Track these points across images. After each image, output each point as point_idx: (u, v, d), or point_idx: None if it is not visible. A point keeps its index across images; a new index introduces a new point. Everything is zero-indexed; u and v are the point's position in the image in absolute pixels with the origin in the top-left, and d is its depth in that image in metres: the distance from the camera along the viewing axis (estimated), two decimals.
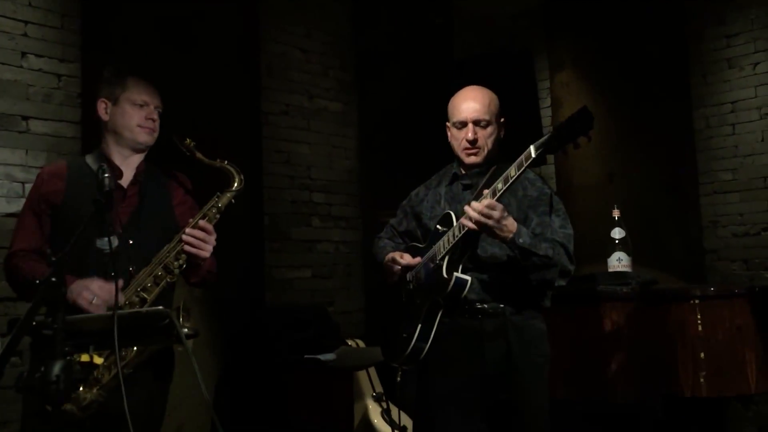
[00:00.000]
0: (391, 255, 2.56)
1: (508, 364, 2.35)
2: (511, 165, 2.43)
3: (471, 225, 2.23)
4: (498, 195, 2.23)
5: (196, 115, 4.01)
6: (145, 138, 2.43)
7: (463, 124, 2.48)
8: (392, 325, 2.55)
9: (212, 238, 2.34)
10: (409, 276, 2.52)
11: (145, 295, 2.28)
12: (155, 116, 2.45)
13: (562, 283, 2.42)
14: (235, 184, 2.47)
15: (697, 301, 3.05)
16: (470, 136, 2.46)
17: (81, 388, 2.14)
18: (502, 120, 2.54)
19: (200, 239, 2.31)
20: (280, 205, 4.56)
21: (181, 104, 3.87)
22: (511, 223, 2.24)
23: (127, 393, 2.18)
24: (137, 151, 2.46)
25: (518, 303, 2.39)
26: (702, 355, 3.00)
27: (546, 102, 5.79)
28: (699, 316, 3.03)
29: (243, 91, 4.45)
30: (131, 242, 2.32)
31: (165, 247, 2.33)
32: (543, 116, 5.77)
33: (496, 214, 2.20)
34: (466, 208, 2.25)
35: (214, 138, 4.10)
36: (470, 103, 2.49)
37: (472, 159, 2.49)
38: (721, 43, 5.03)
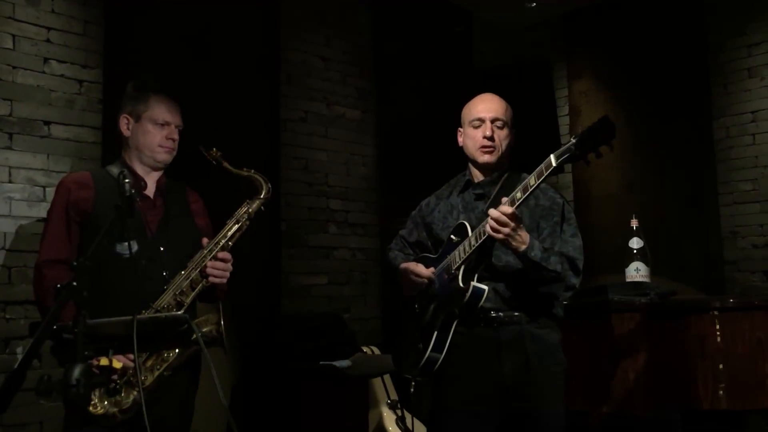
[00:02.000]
0: (404, 266, 2.55)
1: (526, 375, 2.34)
2: (524, 173, 2.42)
3: (491, 232, 2.21)
4: (517, 204, 2.22)
5: (216, 121, 4.04)
6: (165, 157, 2.49)
7: (480, 121, 2.48)
8: (405, 335, 2.54)
9: (230, 265, 2.44)
10: (422, 286, 2.51)
11: (183, 299, 2.35)
12: (176, 136, 2.50)
13: (566, 295, 2.41)
14: (263, 193, 2.54)
15: (716, 313, 3.01)
16: (488, 132, 2.45)
17: (123, 392, 2.19)
18: (515, 130, 2.54)
19: (221, 269, 2.40)
20: (297, 211, 4.58)
21: (200, 110, 3.91)
22: (524, 235, 2.23)
23: (163, 396, 2.24)
24: (156, 169, 2.51)
25: (533, 312, 2.38)
26: (721, 367, 2.96)
27: (564, 110, 5.78)
28: (718, 328, 2.99)
29: (262, 98, 4.48)
30: (162, 249, 2.37)
31: (199, 253, 2.40)
32: (561, 125, 5.76)
33: (512, 223, 2.19)
34: (491, 211, 2.23)
35: (233, 144, 4.14)
36: (488, 104, 2.51)
37: (487, 158, 2.48)
38: (741, 53, 5.00)
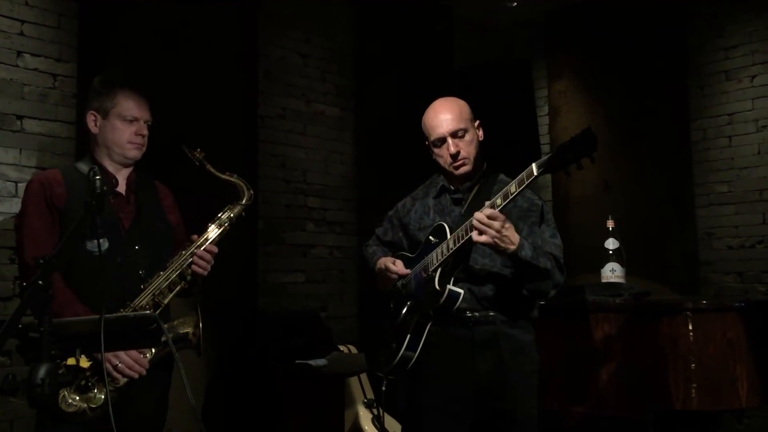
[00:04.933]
0: (383, 261, 2.54)
1: (500, 374, 2.34)
2: (502, 174, 2.44)
3: (477, 236, 2.20)
4: (497, 209, 2.21)
5: (192, 116, 4.01)
6: (135, 154, 2.44)
7: (441, 141, 2.45)
8: (378, 333, 2.54)
9: (212, 257, 2.41)
10: (399, 284, 2.51)
11: (161, 300, 2.33)
12: (145, 131, 2.45)
13: (553, 293, 2.41)
14: (245, 199, 2.51)
15: (689, 314, 3.03)
16: (452, 150, 2.42)
17: (95, 390, 2.18)
18: (477, 123, 2.51)
19: (207, 261, 2.38)
20: (274, 209, 4.55)
21: (177, 106, 3.89)
22: (513, 235, 2.22)
23: (139, 394, 2.23)
24: (126, 165, 2.47)
25: (509, 312, 2.39)
26: (693, 367, 2.99)
27: (543, 110, 5.80)
28: (691, 329, 3.01)
29: (240, 94, 4.45)
30: (137, 247, 2.35)
31: (179, 255, 2.38)
32: (540, 124, 5.78)
33: (496, 224, 2.18)
34: (475, 214, 2.21)
35: (210, 140, 4.11)
36: (442, 117, 2.44)
37: (462, 170, 2.45)
38: (719, 56, 5.04)
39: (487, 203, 2.22)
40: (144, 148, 2.46)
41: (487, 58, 5.87)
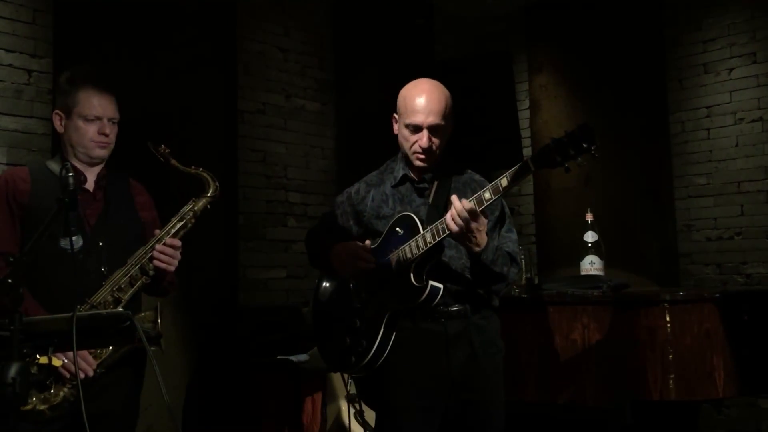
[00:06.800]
0: (356, 245, 2.39)
1: (473, 366, 2.33)
2: (468, 169, 2.44)
3: (452, 223, 2.13)
4: (486, 205, 2.13)
5: (171, 112, 3.99)
6: (99, 153, 2.39)
7: (417, 128, 2.35)
8: (336, 330, 2.44)
9: (179, 253, 2.36)
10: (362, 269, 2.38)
11: (120, 295, 2.29)
12: (108, 130, 2.37)
13: (504, 288, 2.43)
14: (211, 191, 2.47)
15: (666, 305, 3.06)
16: (425, 143, 2.34)
17: (52, 389, 2.13)
18: (452, 119, 2.41)
19: (170, 255, 2.33)
20: (255, 204, 4.54)
21: (155, 101, 3.86)
22: (483, 238, 2.18)
23: (101, 393, 2.20)
24: (93, 164, 2.42)
25: (476, 303, 2.37)
26: (670, 358, 3.02)
27: (524, 104, 5.81)
28: (668, 320, 3.04)
29: (219, 89, 4.42)
30: (101, 244, 2.32)
31: (140, 249, 2.34)
32: (521, 118, 5.79)
33: (474, 224, 2.12)
34: (456, 203, 2.12)
35: (190, 136, 4.10)
36: (426, 106, 2.33)
37: (421, 164, 2.39)
38: (697, 48, 5.07)
39: (474, 197, 2.14)
40: (111, 146, 2.41)
41: (468, 52, 5.87)
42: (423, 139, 2.34)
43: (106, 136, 2.38)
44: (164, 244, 2.33)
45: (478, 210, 2.12)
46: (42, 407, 2.13)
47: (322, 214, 2.73)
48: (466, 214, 2.11)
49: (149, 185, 2.61)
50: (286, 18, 4.79)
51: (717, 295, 3.18)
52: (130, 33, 3.89)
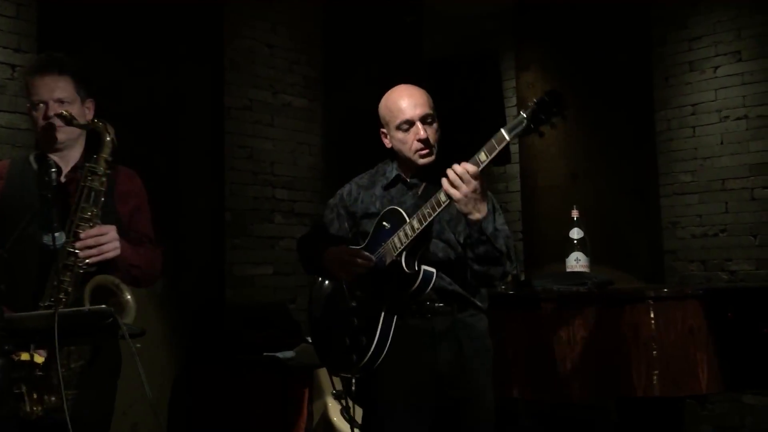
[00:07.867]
0: (351, 249, 2.39)
1: (460, 363, 2.32)
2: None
3: (449, 188, 2.09)
4: (482, 167, 2.09)
5: (158, 108, 3.97)
6: (50, 137, 2.21)
7: (410, 124, 2.33)
8: (337, 333, 2.43)
9: (108, 235, 2.11)
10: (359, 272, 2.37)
11: (74, 293, 2.09)
12: (51, 112, 2.18)
13: (499, 283, 2.39)
14: (107, 137, 2.18)
15: (651, 302, 3.07)
16: (422, 134, 2.31)
17: (45, 394, 2.06)
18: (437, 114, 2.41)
19: (92, 246, 2.10)
20: (242, 200, 4.53)
21: (141, 97, 3.84)
22: (484, 206, 2.15)
23: (77, 392, 2.15)
24: (57, 151, 2.26)
25: (463, 301, 2.36)
26: (655, 354, 3.03)
27: (511, 102, 5.83)
28: (652, 317, 3.05)
29: (206, 85, 4.40)
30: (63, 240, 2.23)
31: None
32: (508, 116, 5.81)
33: (474, 183, 2.07)
34: (453, 166, 2.09)
35: (177, 132, 4.09)
36: (411, 101, 2.33)
37: (427, 159, 2.36)
38: (683, 47, 5.10)
39: (471, 159, 2.10)
40: (64, 128, 2.20)
41: (456, 50, 5.88)
42: (419, 131, 2.32)
43: (53, 117, 2.18)
44: (81, 237, 2.09)
45: (478, 169, 2.09)
46: (38, 411, 2.02)
47: (314, 220, 2.68)
48: (468, 176, 2.08)
49: (149, 184, 2.51)
50: (273, 14, 4.78)
51: (701, 291, 3.20)
52: (116, 28, 3.87)
